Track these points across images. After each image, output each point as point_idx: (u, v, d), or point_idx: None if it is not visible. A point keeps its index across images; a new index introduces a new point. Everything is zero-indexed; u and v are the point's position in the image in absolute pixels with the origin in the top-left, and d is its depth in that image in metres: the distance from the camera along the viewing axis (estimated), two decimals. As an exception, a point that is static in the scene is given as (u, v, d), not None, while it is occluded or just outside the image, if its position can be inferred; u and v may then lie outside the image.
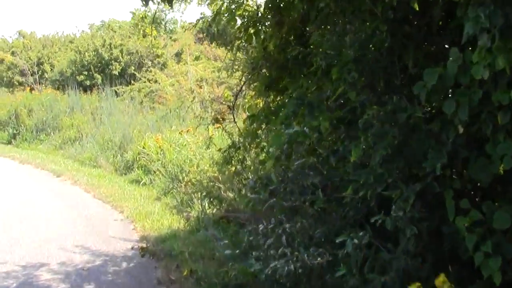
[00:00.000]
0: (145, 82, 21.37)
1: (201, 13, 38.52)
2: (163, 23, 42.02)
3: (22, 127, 20.42)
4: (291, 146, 4.97)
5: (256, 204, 5.08)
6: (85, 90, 22.33)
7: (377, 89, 4.65)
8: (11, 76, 29.06)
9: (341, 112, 4.52)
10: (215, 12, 9.52)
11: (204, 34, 41.95)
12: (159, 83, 20.73)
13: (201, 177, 9.68)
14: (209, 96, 17.24)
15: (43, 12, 77.31)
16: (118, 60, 24.77)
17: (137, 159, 13.16)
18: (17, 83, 27.94)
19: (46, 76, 27.89)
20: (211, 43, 35.86)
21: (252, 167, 8.30)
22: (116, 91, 20.73)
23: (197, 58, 28.12)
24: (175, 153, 11.72)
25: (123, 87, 21.25)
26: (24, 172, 14.50)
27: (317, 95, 4.90)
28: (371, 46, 4.62)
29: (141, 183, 12.06)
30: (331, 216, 4.47)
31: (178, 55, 27.94)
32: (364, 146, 4.06)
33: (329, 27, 5.47)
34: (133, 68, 24.53)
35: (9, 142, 20.28)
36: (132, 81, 22.29)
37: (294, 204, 4.46)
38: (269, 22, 7.32)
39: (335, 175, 4.68)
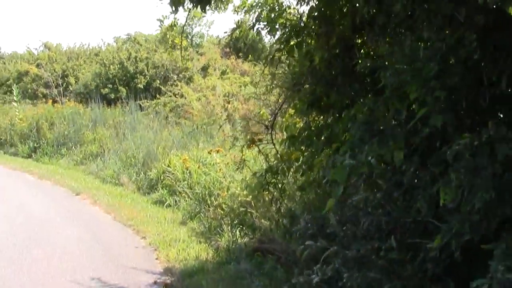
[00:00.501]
0: (170, 96, 20.64)
1: (231, 28, 38.14)
2: (190, 36, 41.76)
3: (43, 141, 19.75)
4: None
5: (313, 252, 4.15)
6: (108, 104, 21.60)
7: (460, 111, 3.78)
8: (35, 88, 28.60)
9: (419, 139, 3.65)
10: (240, 24, 8.75)
11: (231, 49, 41.60)
12: (185, 98, 19.99)
13: (231, 201, 8.83)
14: (240, 113, 16.50)
15: (68, 24, 77.36)
16: (143, 74, 24.18)
17: (162, 178, 12.34)
18: (41, 95, 27.39)
19: (71, 89, 27.30)
20: (238, 58, 35.51)
21: (289, 193, 7.47)
22: (140, 105, 20.02)
23: (223, 73, 27.96)
24: (203, 173, 10.86)
25: (148, 101, 20.54)
26: (41, 189, 13.74)
27: (388, 119, 4.01)
28: (454, 59, 3.76)
29: (165, 204, 11.23)
30: (403, 268, 3.59)
31: (204, 69, 27.35)
32: (455, 184, 3.18)
33: (399, 35, 4.60)
34: (158, 82, 23.85)
35: (29, 156, 19.62)
36: (158, 95, 21.54)
37: (359, 252, 3.60)
38: (314, 33, 6.50)
39: (405, 215, 3.81)
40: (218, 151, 11.06)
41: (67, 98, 25.38)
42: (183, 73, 24.54)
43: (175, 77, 24.16)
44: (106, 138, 17.40)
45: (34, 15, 79.02)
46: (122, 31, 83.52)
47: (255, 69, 34.00)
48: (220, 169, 10.06)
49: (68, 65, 29.37)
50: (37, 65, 30.40)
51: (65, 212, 11.07)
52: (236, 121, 13.78)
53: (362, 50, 6.13)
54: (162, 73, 24.51)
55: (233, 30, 8.87)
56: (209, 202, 9.64)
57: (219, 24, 70.15)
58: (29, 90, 28.48)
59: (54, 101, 24.29)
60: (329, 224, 3.85)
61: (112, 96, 23.22)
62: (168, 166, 12.40)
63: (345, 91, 5.95)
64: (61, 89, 25.46)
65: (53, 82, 26.61)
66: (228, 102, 19.01)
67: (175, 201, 11.18)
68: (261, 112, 8.39)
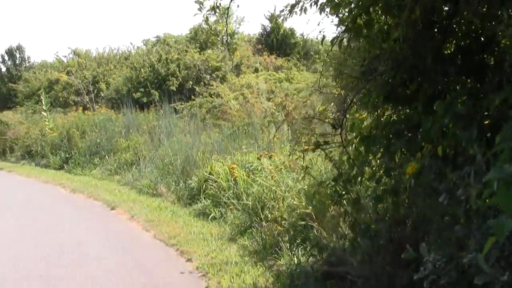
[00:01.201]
0: (206, 97, 19.49)
1: (261, 24, 37.03)
2: (220, 35, 40.76)
3: (75, 150, 18.81)
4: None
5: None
6: (141, 108, 20.54)
7: None
8: (66, 96, 28.54)
9: None
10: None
11: (263, 45, 40.61)
12: (222, 97, 18.79)
13: (290, 215, 7.55)
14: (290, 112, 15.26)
15: (97, 29, 77.13)
16: (175, 75, 23.63)
17: (204, 187, 11.14)
18: (72, 103, 27.17)
19: (102, 95, 26.82)
20: (271, 54, 34.43)
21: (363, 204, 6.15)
22: (175, 108, 18.90)
23: (256, 70, 27.49)
24: (251, 181, 9.59)
25: (183, 103, 19.42)
26: (74, 204, 12.66)
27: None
28: None
29: (210, 217, 10.00)
30: None
31: (237, 67, 26.71)
32: None
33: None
34: (191, 83, 23.37)
35: (61, 167, 18.68)
36: (192, 96, 20.43)
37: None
38: (391, 5, 5.18)
39: None
40: (270, 157, 9.77)
41: (99, 104, 24.61)
42: (215, 72, 23.95)
43: (208, 77, 23.66)
44: (140, 144, 16.31)
45: (62, 23, 79.14)
46: (151, 34, 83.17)
47: (288, 64, 33.47)
48: (272, 177, 8.73)
49: (98, 71, 29.24)
50: (67, 73, 30.65)
51: (99, 231, 9.91)
52: (286, 121, 12.46)
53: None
54: (194, 73, 23.97)
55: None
56: (261, 215, 8.38)
57: (249, 21, 69.16)
58: (60, 99, 28.52)
59: (85, 108, 23.54)
60: (479, 272, 2.56)
61: (145, 100, 22.52)
62: (210, 173, 11.20)
63: (435, 76, 4.66)
64: (92, 95, 24.62)
65: (84, 89, 26.08)
66: (269, 100, 17.78)
67: (221, 213, 9.96)
68: (320, 109, 7.10)
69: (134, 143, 16.69)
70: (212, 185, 10.68)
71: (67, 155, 18.94)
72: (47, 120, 21.57)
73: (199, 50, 26.91)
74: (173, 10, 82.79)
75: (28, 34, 79.58)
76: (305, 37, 42.37)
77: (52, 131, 20.65)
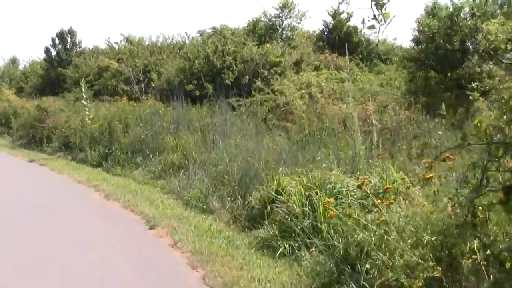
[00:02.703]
0: (268, 93, 17.02)
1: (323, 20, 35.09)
2: (280, 29, 38.53)
3: (116, 146, 16.52)
4: None
5: None
6: (193, 102, 18.15)
7: None
8: (115, 84, 27.02)
9: None
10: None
11: (325, 43, 38.17)
12: (286, 95, 16.30)
13: (409, 279, 4.97)
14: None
15: (150, 18, 75.63)
16: (231, 69, 21.56)
17: (268, 208, 8.65)
18: (121, 92, 25.35)
19: (153, 85, 24.85)
20: (332, 52, 32.09)
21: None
22: (232, 104, 16.48)
23: (317, 68, 25.80)
24: (341, 214, 6.93)
25: (242, 99, 16.99)
26: (105, 216, 10.32)
27: None
28: None
29: (278, 253, 7.51)
30: None
31: (297, 64, 25.20)
32: None
33: None
34: (247, 77, 21.24)
35: (99, 164, 16.42)
36: (253, 92, 18.07)
37: None
38: None
39: None
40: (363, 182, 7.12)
41: (148, 95, 22.55)
42: (274, 68, 21.87)
43: (266, 72, 21.57)
44: (191, 145, 13.90)
45: (116, 8, 77.88)
46: (206, 25, 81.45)
47: (351, 64, 31.04)
48: (375, 211, 6.03)
49: (150, 60, 27.75)
50: (118, 60, 29.34)
51: (133, 261, 7.47)
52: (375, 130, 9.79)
53: None
54: (251, 68, 21.95)
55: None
56: (358, 266, 5.83)
57: (311, 16, 66.57)
58: (109, 87, 27.15)
59: (134, 99, 21.36)
60: None
61: (197, 93, 20.46)
62: (277, 191, 8.71)
63: None
64: (142, 85, 22.65)
65: (134, 78, 24.12)
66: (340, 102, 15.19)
67: (292, 248, 7.47)
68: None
69: (183, 142, 14.29)
70: (280, 208, 8.17)
71: (106, 151, 16.67)
72: (87, 109, 19.28)
73: (257, 43, 25.03)
74: (231, 1, 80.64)
75: (80, 18, 78.65)
76: (368, 37, 40.03)
77: (93, 122, 18.39)
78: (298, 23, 38.63)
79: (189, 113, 16.67)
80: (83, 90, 20.19)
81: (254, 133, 12.65)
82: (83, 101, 19.98)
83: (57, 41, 43.02)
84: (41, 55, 45.14)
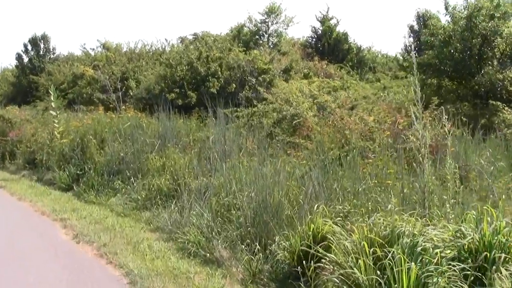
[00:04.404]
0: (272, 103, 14.45)
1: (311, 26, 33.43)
2: (266, 35, 36.58)
3: (89, 166, 13.70)
4: None
5: None
6: (177, 112, 15.56)
7: None
8: (90, 93, 25.24)
9: None
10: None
11: (313, 49, 36.28)
12: (293, 105, 13.73)
13: None
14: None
15: (128, 24, 73.14)
16: (216, 76, 20.02)
17: (305, 265, 5.99)
18: (97, 101, 23.61)
19: (131, 93, 23.16)
20: (322, 59, 31.04)
21: None
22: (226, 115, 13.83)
23: (306, 76, 25.06)
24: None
25: (240, 109, 14.44)
26: (74, 271, 7.48)
27: None
28: None
29: None
30: None
31: (286, 71, 23.76)
32: None
33: None
34: (234, 85, 19.85)
35: (69, 188, 13.62)
36: (254, 101, 15.77)
37: None
38: None
39: None
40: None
41: (126, 104, 20.47)
42: (262, 75, 20.59)
43: (254, 80, 20.32)
44: (182, 167, 11.20)
45: (92, 14, 75.06)
46: (187, 31, 79.36)
47: (341, 72, 29.38)
48: None
49: (128, 66, 26.11)
50: (93, 67, 27.73)
51: None
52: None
53: None
54: (238, 75, 20.59)
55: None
56: None
57: (298, 22, 64.38)
58: (84, 95, 25.51)
59: (111, 109, 18.98)
60: None
61: (180, 102, 18.77)
62: (314, 238, 6.09)
63: None
64: (120, 94, 20.46)
65: (111, 86, 22.22)
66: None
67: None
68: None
69: (172, 163, 11.60)
70: (331, 272, 5.51)
71: (78, 171, 13.83)
72: (56, 121, 16.41)
73: (244, 49, 23.74)
74: (212, 8, 78.17)
75: (55, 23, 75.50)
76: (358, 45, 38.38)
77: (63, 137, 15.54)
78: (285, 29, 37.41)
79: (176, 126, 13.96)
80: (52, 98, 17.31)
81: (263, 153, 9.98)
82: (51, 112, 17.11)
83: (29, 47, 42.20)
84: (12, 62, 43.11)
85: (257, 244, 7.15)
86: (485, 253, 4.69)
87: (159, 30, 74.62)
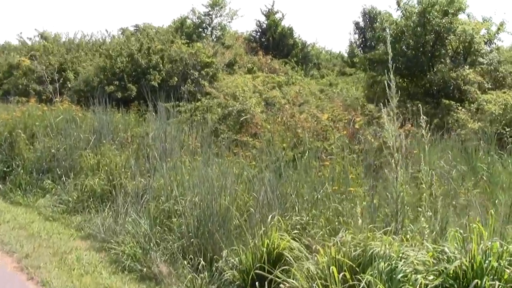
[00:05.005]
0: (216, 97, 13.60)
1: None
2: (209, 28, 36.06)
3: (18, 162, 12.47)
4: None
5: None
6: (116, 106, 14.57)
7: None
8: (26, 84, 23.72)
9: None
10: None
11: (258, 44, 35.80)
12: (240, 100, 12.90)
13: None
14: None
15: (67, 15, 71.06)
16: (157, 69, 19.39)
17: (259, 284, 5.14)
18: (33, 92, 22.23)
19: (69, 85, 22.04)
20: (267, 54, 30.79)
21: None
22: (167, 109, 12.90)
23: (249, 71, 24.76)
24: None
25: (183, 104, 13.57)
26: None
27: None
28: None
29: None
30: None
31: (230, 66, 23.60)
32: None
33: None
34: (176, 79, 19.24)
35: (-5, 187, 12.42)
36: (199, 95, 14.99)
37: None
38: None
39: None
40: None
41: (64, 96, 19.41)
42: (205, 69, 20.30)
43: (196, 73, 19.98)
44: (118, 166, 10.22)
45: (30, 2, 72.58)
46: (128, 23, 77.84)
47: (286, 68, 29.12)
48: None
49: (67, 57, 24.94)
50: (30, 57, 26.05)
51: None
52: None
53: None
54: (180, 68, 20.03)
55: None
56: None
57: (243, 15, 63.76)
58: (20, 86, 23.87)
59: (46, 101, 17.89)
60: None
61: (119, 95, 17.98)
62: (268, 255, 5.24)
63: None
64: (57, 85, 19.39)
65: (48, 77, 20.89)
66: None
67: None
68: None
69: (107, 161, 10.60)
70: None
71: (5, 169, 12.59)
72: (-20, 113, 15.11)
73: (187, 41, 23.33)
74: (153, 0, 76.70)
75: (-11, 11, 72.72)
76: (303, 40, 38.19)
77: (-11, 130, 14.26)
78: (229, 22, 37.10)
79: (114, 121, 12.95)
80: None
81: (207, 152, 9.08)
82: (-24, 103, 15.81)
83: (-39, 36, 39.59)
84: None
85: (201, 258, 6.26)
86: (476, 280, 3.93)
87: (100, 21, 72.73)
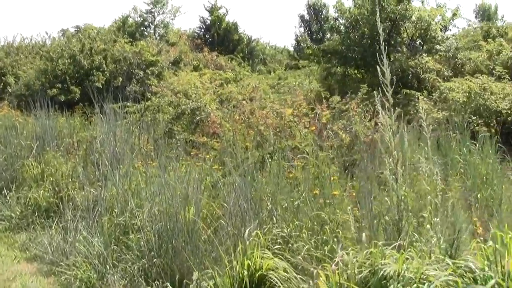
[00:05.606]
0: (165, 96, 12.81)
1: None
2: (152, 26, 35.38)
3: (-50, 176, 11.43)
4: None
5: None
6: (61, 109, 13.67)
7: None
8: None
9: None
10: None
11: (202, 40, 35.17)
12: (195, 98, 12.11)
13: None
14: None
15: (5, 17, 68.79)
16: (101, 69, 19.11)
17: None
18: None
19: (9, 90, 21.13)
20: (212, 51, 30.24)
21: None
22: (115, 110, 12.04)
23: (195, 68, 24.41)
24: None
25: (131, 104, 12.77)
26: None
27: None
28: None
29: None
30: None
31: (175, 63, 23.50)
32: None
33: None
34: (121, 79, 19.04)
35: None
36: (149, 95, 14.35)
37: None
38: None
39: None
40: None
41: (4, 102, 18.85)
42: (150, 68, 20.29)
43: (142, 73, 19.93)
44: (64, 174, 9.30)
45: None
46: (68, 24, 76.39)
47: (233, 64, 28.67)
48: None
49: (6, 61, 23.84)
50: None
51: None
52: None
53: None
54: (125, 68, 19.84)
55: None
56: None
57: (185, 12, 62.72)
58: None
59: None
60: None
61: (62, 98, 17.43)
62: (250, 278, 4.47)
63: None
64: None
65: None
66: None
67: None
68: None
69: (52, 170, 9.67)
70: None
71: None
72: None
73: (130, 40, 22.98)
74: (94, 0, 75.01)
75: None
76: (248, 35, 37.83)
77: None
78: (172, 19, 36.36)
79: (57, 126, 12.02)
80: None
81: (162, 155, 8.22)
82: None
83: None
84: None
85: (168, 283, 5.43)
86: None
87: (39, 22, 70.60)
